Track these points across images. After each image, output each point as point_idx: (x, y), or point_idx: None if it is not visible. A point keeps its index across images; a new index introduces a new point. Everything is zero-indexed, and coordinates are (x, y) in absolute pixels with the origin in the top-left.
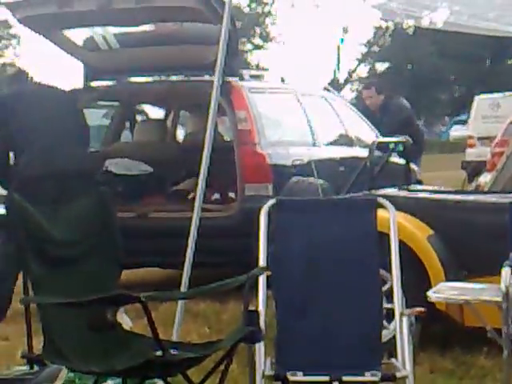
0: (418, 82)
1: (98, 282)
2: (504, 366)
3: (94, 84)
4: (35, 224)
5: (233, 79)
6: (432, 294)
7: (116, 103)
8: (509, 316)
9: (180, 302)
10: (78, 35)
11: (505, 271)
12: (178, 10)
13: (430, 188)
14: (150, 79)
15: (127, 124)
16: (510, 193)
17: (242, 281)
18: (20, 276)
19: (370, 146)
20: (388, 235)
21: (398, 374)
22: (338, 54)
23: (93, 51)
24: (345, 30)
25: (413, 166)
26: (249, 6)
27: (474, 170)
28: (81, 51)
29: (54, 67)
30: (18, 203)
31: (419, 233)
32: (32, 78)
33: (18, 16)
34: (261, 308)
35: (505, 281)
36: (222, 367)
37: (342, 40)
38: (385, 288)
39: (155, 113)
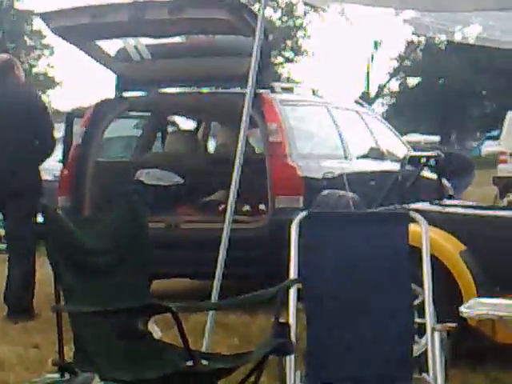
0: (449, 96)
1: (129, 292)
2: None
3: (125, 94)
4: (68, 233)
5: (264, 91)
6: (464, 310)
7: (147, 114)
8: None
9: (210, 313)
10: (110, 46)
11: None
12: (211, 22)
13: (462, 203)
14: (181, 90)
15: (158, 135)
16: None
17: (273, 293)
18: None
19: (402, 160)
20: (420, 249)
21: None
22: (369, 70)
23: (125, 62)
24: (376, 44)
25: (444, 181)
26: (280, 19)
27: (506, 185)
28: (113, 62)
29: (87, 77)
30: (52, 212)
31: (451, 248)
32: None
33: (52, 26)
34: (291, 320)
35: None
36: (251, 379)
37: (373, 57)
38: (416, 302)
39: (186, 124)
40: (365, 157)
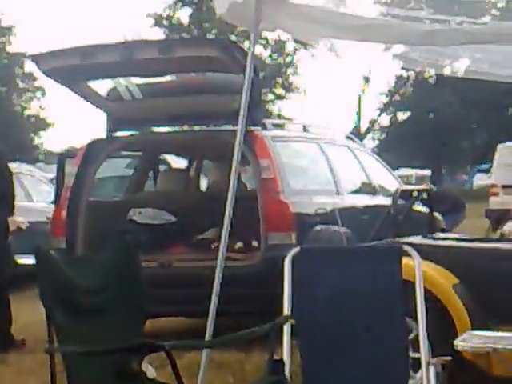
0: (439, 130)
1: (123, 331)
2: None
3: (117, 134)
4: (60, 274)
5: (255, 128)
6: (459, 343)
7: (139, 153)
8: None
9: (205, 351)
10: (101, 86)
11: None
12: (201, 60)
13: (455, 236)
14: (172, 129)
15: (150, 174)
16: None
17: (267, 330)
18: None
19: (394, 194)
20: (413, 283)
21: None
22: (359, 105)
23: (116, 101)
24: (366, 80)
25: (436, 214)
26: (270, 56)
27: (498, 218)
28: (104, 102)
29: (79, 118)
30: (44, 254)
31: (444, 281)
32: None
33: (43, 68)
34: (286, 357)
35: None
36: None
37: (364, 92)
38: (411, 337)
39: (178, 162)
40: (357, 192)
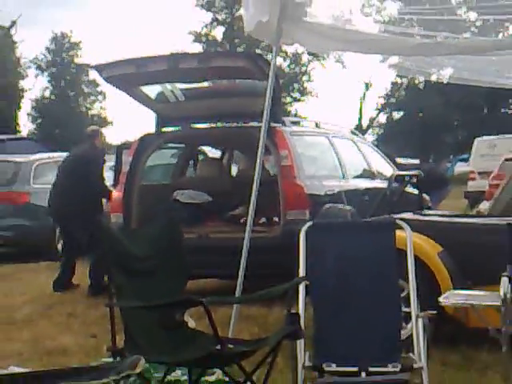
0: (427, 127)
1: (169, 290)
2: (503, 360)
3: (164, 130)
4: (118, 243)
5: (276, 125)
6: (442, 300)
7: (182, 145)
8: (507, 318)
9: (235, 306)
10: (151, 90)
11: (503, 281)
12: (232, 69)
13: (439, 213)
14: (209, 125)
15: (191, 162)
16: (506, 217)
17: (286, 289)
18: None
19: (389, 178)
20: (405, 251)
21: (415, 366)
22: (361, 106)
23: (163, 103)
24: (367, 85)
25: (424, 195)
26: (289, 66)
27: (475, 198)
28: (153, 103)
29: (133, 117)
30: (104, 226)
31: (430, 249)
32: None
33: (104, 76)
34: (301, 311)
35: (503, 289)
36: (269, 359)
37: (364, 96)
38: (403, 295)
39: (213, 153)
40: (359, 176)
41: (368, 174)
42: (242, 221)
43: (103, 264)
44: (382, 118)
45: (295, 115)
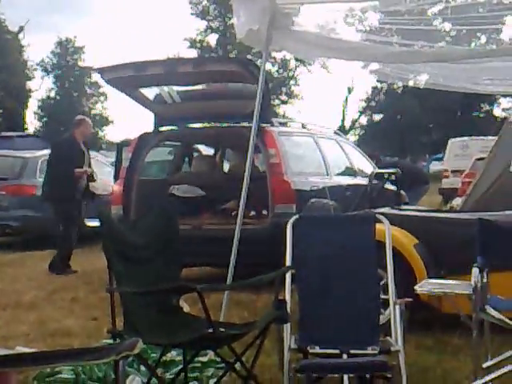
0: (405, 128)
1: (165, 277)
2: (473, 344)
3: (161, 129)
4: (118, 233)
5: (266, 125)
6: (418, 288)
7: (178, 143)
8: (477, 305)
9: (226, 293)
10: (149, 92)
11: (474, 271)
12: (225, 73)
13: (415, 208)
14: (203, 125)
15: (186, 159)
16: (477, 212)
17: (273, 277)
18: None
19: (369, 175)
20: (384, 243)
21: (392, 349)
22: (344, 108)
23: (160, 104)
24: (349, 89)
25: (402, 192)
26: (277, 71)
27: (449, 195)
28: (152, 104)
29: (132, 116)
30: (106, 216)
31: (407, 241)
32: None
33: (106, 78)
34: (287, 297)
35: (474, 278)
36: (257, 342)
37: (347, 99)
38: (381, 283)
39: (207, 150)
40: (342, 174)
41: (350, 172)
42: (233, 213)
43: (71, 245)
44: (363, 120)
45: (283, 116)
